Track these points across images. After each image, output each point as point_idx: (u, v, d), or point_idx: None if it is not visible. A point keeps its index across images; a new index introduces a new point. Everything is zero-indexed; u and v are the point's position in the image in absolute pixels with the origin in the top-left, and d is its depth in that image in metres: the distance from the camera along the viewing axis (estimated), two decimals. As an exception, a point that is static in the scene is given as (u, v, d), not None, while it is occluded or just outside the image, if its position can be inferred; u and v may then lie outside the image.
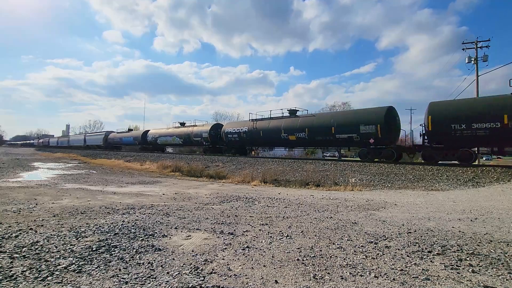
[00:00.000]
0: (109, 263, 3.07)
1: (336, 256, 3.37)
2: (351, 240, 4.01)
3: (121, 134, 41.29)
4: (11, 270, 2.83)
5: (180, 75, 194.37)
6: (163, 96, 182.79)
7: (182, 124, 31.00)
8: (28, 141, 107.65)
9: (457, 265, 3.12)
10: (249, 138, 21.88)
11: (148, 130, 35.70)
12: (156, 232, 4.27)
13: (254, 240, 3.97)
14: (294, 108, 20.77)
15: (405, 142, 22.64)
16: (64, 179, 12.70)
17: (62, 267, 2.92)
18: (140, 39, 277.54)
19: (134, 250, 3.47)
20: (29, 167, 19.36)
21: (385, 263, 3.18)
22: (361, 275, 2.85)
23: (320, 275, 2.84)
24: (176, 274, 2.81)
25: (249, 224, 4.90)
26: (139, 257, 3.27)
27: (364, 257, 3.36)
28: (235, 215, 5.63)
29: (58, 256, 3.22)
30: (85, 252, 3.36)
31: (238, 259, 3.28)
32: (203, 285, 2.58)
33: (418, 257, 3.37)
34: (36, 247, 3.51)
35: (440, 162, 13.83)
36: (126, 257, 3.25)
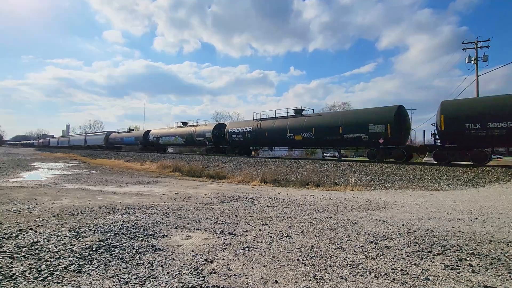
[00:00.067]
0: (109, 263, 3.07)
1: (336, 256, 3.37)
2: (351, 240, 4.01)
3: (123, 134, 41.25)
4: (11, 270, 2.83)
5: (180, 75, 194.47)
6: (163, 96, 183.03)
7: (185, 124, 30.82)
8: (28, 141, 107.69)
9: (457, 265, 3.12)
10: (254, 138, 21.54)
11: (150, 130, 35.58)
12: (156, 232, 4.27)
13: (254, 240, 3.97)
14: (300, 108, 20.19)
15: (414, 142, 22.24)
16: (64, 179, 12.70)
17: (62, 267, 2.92)
18: (140, 39, 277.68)
19: (134, 250, 3.47)
20: (29, 167, 19.37)
21: (385, 263, 3.18)
22: (361, 275, 2.85)
23: (320, 275, 2.84)
24: (176, 274, 2.81)
25: (249, 224, 4.90)
26: (139, 257, 3.27)
27: (364, 257, 3.36)
28: (235, 215, 5.63)
29: (58, 256, 3.22)
30: (85, 252, 3.36)
31: (238, 259, 3.28)
32: (203, 285, 2.58)
33: (418, 257, 3.37)
34: (36, 247, 3.51)
35: (452, 162, 13.56)
36: (126, 257, 3.25)
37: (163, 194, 8.70)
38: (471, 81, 26.68)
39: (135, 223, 4.82)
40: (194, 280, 2.68)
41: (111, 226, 4.58)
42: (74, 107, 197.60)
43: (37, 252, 3.35)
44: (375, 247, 3.73)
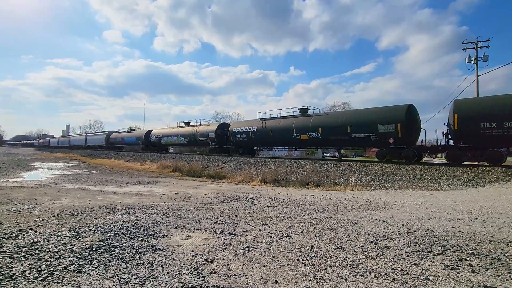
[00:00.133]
0: (109, 263, 3.07)
1: (336, 256, 3.37)
2: (351, 240, 4.01)
3: (124, 134, 41.16)
4: (11, 270, 2.83)
5: (180, 75, 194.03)
6: (163, 96, 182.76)
7: (187, 124, 30.60)
8: (28, 141, 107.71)
9: (457, 265, 3.12)
10: (258, 138, 21.17)
11: (151, 130, 35.45)
12: (156, 232, 4.27)
13: (254, 240, 3.97)
14: (306, 107, 19.80)
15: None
16: (64, 179, 12.70)
17: (62, 267, 2.92)
18: (140, 39, 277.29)
19: (134, 250, 3.47)
20: (29, 167, 19.37)
21: (385, 263, 3.18)
22: (361, 275, 2.85)
23: (320, 275, 2.84)
24: (176, 274, 2.81)
25: (249, 224, 4.90)
26: (139, 257, 3.27)
27: (364, 257, 3.36)
28: (235, 215, 5.63)
29: (58, 256, 3.23)
30: (85, 252, 3.36)
31: (238, 259, 3.28)
32: (203, 285, 2.58)
33: (418, 257, 3.37)
34: (36, 247, 3.52)
35: (465, 162, 13.28)
36: (126, 257, 3.25)
37: (163, 194, 8.71)
38: (471, 81, 26.73)
39: (135, 223, 4.82)
40: (194, 280, 2.69)
41: (111, 226, 4.58)
42: (74, 107, 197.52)
43: (37, 252, 3.35)
44: (375, 247, 3.73)
